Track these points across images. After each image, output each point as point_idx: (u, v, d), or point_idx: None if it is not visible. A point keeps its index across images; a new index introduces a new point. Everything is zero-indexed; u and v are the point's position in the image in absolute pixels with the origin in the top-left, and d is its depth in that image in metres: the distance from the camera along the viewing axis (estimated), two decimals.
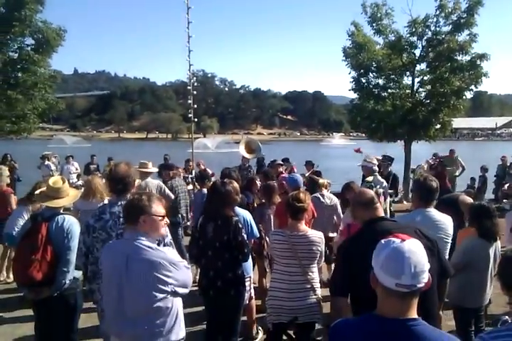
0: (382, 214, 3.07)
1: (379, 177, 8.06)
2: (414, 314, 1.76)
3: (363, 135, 21.61)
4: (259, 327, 5.36)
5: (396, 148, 16.78)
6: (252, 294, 5.18)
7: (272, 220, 5.85)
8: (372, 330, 1.75)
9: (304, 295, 3.93)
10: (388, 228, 2.70)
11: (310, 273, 4.00)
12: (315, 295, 3.98)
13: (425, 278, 1.73)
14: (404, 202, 14.80)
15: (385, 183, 8.05)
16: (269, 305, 4.06)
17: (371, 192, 3.17)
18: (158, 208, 2.85)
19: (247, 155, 12.23)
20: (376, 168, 8.25)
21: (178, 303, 2.84)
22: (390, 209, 8.15)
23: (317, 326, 4.03)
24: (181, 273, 2.80)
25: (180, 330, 2.87)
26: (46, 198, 3.99)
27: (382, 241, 1.82)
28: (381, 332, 1.73)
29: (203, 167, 12.41)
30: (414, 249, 1.75)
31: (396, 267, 1.70)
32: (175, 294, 2.78)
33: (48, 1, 16.80)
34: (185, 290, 2.85)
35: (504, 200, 12.97)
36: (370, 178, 7.81)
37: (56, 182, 4.07)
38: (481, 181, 14.42)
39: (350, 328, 1.84)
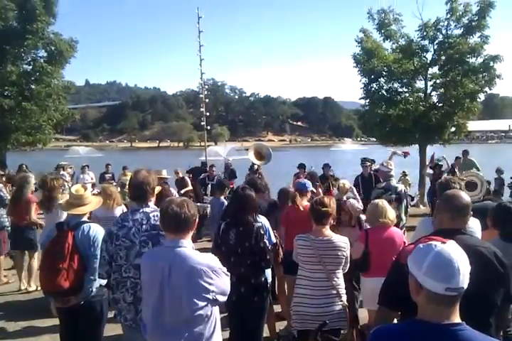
0: (466, 226, 2.75)
1: (393, 183, 7.77)
2: (457, 318, 1.72)
3: (374, 140, 21.55)
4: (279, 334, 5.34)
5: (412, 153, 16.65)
6: (271, 299, 5.15)
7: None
8: (416, 336, 1.71)
9: (330, 301, 3.91)
10: (468, 243, 2.35)
11: (335, 279, 3.98)
12: (341, 301, 3.95)
13: (468, 278, 1.70)
14: (421, 207, 14.67)
15: (400, 188, 7.77)
16: (294, 311, 4.04)
17: (467, 199, 2.72)
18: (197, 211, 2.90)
19: (257, 162, 12.05)
20: (392, 173, 8.07)
21: (216, 311, 2.80)
22: (404, 216, 7.75)
23: (342, 332, 3.99)
24: (222, 280, 2.77)
25: (218, 338, 2.84)
26: (70, 206, 4.02)
27: (421, 245, 1.77)
28: (425, 338, 1.69)
29: (180, 175, 12.37)
30: (457, 250, 1.72)
31: (446, 271, 1.66)
32: (215, 302, 2.75)
33: (59, 13, 17.12)
34: (224, 298, 2.82)
35: None
36: (381, 184, 7.65)
37: (78, 190, 4.11)
38: (497, 184, 14.14)
39: (392, 334, 1.79)
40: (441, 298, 1.68)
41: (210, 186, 11.09)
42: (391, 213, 4.73)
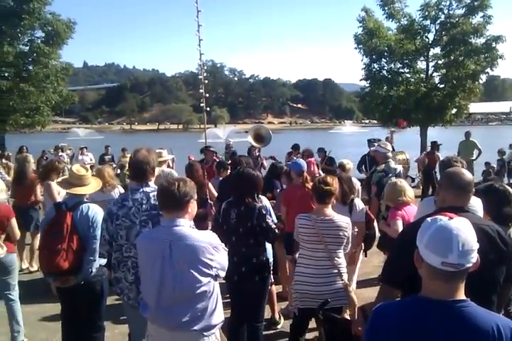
0: (468, 204, 2.71)
1: (392, 164, 7.64)
2: (462, 295, 1.69)
3: (375, 122, 21.46)
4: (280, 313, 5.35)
5: (410, 134, 16.60)
6: (272, 279, 5.15)
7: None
8: (418, 313, 1.68)
9: (331, 280, 3.91)
10: (472, 221, 2.12)
11: (336, 259, 3.97)
12: (341, 280, 3.95)
13: (474, 257, 1.65)
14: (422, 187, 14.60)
15: (399, 169, 7.69)
16: (295, 290, 4.04)
17: (470, 176, 2.64)
18: (195, 192, 2.87)
19: (256, 144, 11.83)
20: (390, 154, 7.96)
21: (217, 287, 2.83)
22: None
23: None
24: (222, 255, 2.81)
25: (220, 314, 2.86)
26: (69, 185, 3.95)
27: (429, 219, 1.75)
28: (428, 314, 1.66)
29: None
30: (463, 226, 1.68)
31: (443, 245, 1.63)
32: (216, 277, 2.79)
33: None
34: (224, 273, 2.86)
35: None
36: (381, 167, 7.53)
37: (79, 170, 4.03)
38: (499, 164, 14.14)
39: (394, 311, 1.77)
40: (440, 272, 1.66)
41: None
42: (410, 192, 4.84)
